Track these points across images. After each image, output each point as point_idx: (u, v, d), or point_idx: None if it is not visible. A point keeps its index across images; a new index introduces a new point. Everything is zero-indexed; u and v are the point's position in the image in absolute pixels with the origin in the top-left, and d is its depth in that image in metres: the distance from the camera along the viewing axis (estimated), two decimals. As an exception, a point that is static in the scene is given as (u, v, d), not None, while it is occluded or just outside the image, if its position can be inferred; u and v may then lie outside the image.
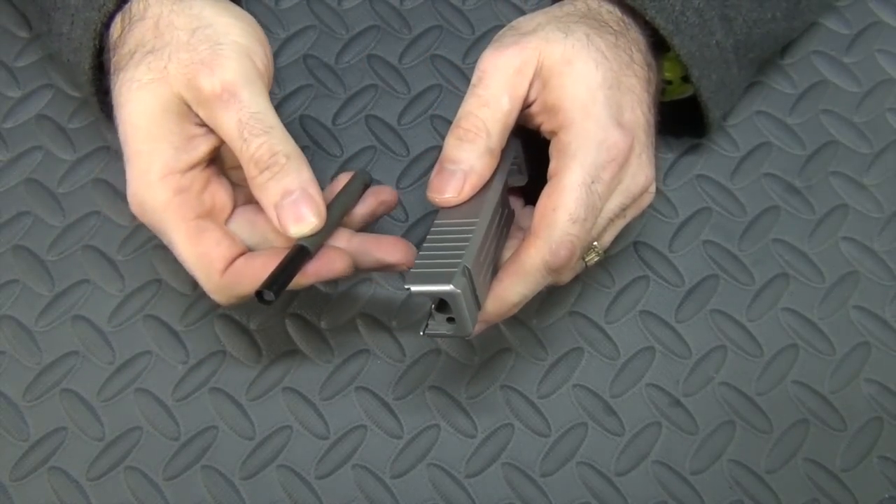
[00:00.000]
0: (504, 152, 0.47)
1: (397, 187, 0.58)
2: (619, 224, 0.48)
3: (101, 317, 0.55)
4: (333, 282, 0.56)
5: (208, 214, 0.46)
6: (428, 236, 0.44)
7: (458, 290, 0.40)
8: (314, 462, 0.52)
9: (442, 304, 0.42)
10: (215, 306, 0.55)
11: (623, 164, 0.45)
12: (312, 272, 0.45)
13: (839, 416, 0.53)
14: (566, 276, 0.48)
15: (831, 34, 0.63)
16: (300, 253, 0.44)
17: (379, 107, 0.61)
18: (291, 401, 0.53)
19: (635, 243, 0.57)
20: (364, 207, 0.49)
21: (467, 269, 0.41)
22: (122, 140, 0.45)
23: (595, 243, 0.47)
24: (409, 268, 0.47)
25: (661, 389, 0.54)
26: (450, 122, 0.46)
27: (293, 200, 0.44)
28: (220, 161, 0.48)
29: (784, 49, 0.62)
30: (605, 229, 0.47)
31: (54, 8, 0.51)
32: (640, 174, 0.46)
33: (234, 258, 0.45)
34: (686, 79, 0.52)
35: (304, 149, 0.58)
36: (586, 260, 0.48)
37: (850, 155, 0.60)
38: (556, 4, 0.50)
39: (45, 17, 0.52)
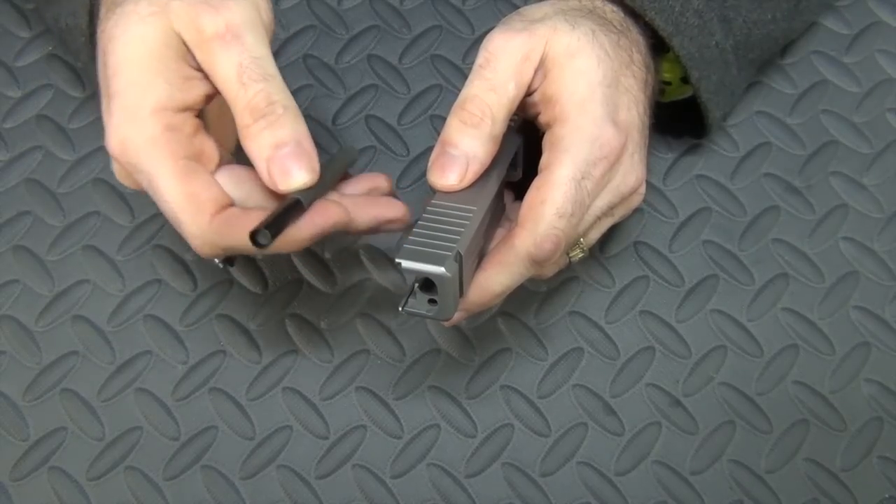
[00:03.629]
0: (505, 145, 0.47)
1: (397, 187, 0.58)
2: (607, 223, 0.48)
3: (101, 317, 0.55)
4: (333, 281, 0.56)
5: (197, 158, 0.43)
6: (423, 214, 0.44)
7: (450, 274, 0.41)
8: (314, 462, 0.52)
9: (427, 284, 0.42)
10: (215, 306, 0.55)
11: (615, 163, 0.45)
12: (308, 223, 0.42)
13: (839, 416, 0.53)
14: (549, 271, 0.48)
15: (831, 34, 0.63)
16: (295, 204, 0.42)
17: (379, 107, 0.61)
18: (291, 401, 0.53)
19: (635, 243, 0.57)
20: (357, 188, 0.48)
21: (460, 254, 0.42)
22: (109, 74, 0.42)
23: (581, 240, 0.47)
24: (407, 225, 0.46)
25: (661, 389, 0.54)
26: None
27: (286, 153, 0.41)
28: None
29: (784, 49, 0.62)
30: (591, 226, 0.47)
31: None
32: (630, 174, 0.46)
33: (224, 206, 0.42)
34: (685, 80, 0.52)
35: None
36: (570, 256, 0.48)
37: (850, 155, 0.59)
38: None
39: None
